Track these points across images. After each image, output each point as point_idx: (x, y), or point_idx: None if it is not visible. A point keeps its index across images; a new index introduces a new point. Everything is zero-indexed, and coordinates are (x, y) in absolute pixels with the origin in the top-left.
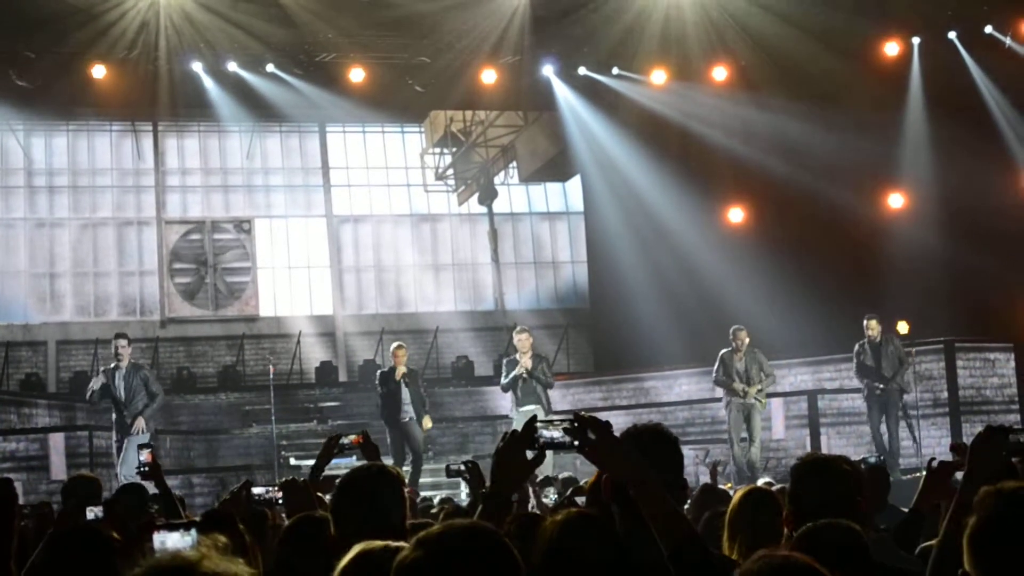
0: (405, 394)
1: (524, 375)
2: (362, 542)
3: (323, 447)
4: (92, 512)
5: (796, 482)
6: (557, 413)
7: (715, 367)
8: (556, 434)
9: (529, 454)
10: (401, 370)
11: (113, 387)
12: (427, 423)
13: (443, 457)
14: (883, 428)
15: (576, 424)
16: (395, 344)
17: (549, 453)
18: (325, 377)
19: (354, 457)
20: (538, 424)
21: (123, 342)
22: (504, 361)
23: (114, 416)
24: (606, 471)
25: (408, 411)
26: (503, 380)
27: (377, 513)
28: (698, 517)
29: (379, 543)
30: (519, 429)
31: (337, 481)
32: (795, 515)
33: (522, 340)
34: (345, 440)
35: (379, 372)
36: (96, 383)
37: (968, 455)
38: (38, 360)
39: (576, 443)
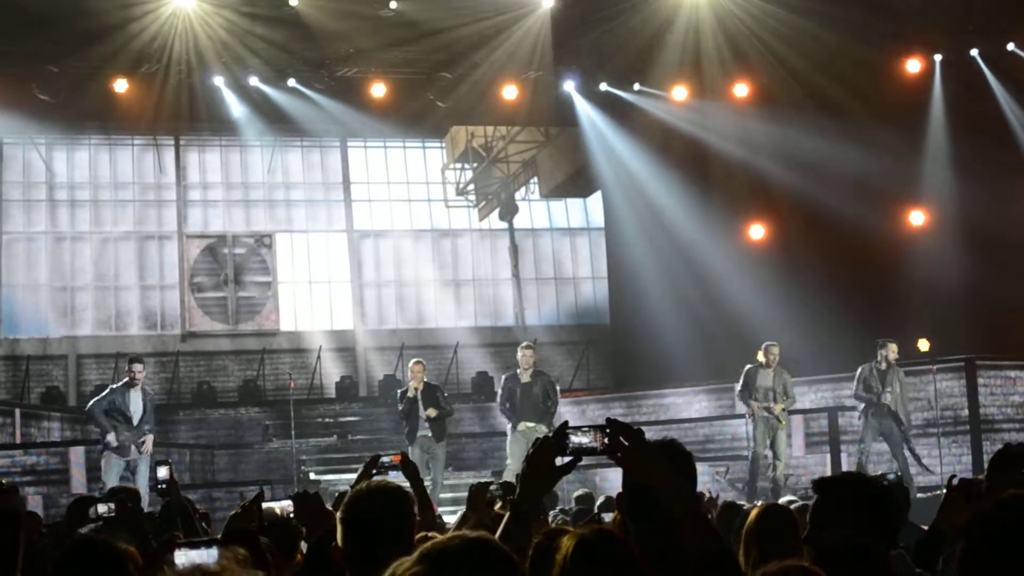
0: (422, 410)
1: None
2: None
3: (364, 466)
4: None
5: (818, 499)
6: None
7: (740, 383)
8: (586, 440)
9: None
10: (414, 386)
11: (127, 408)
12: (431, 411)
13: (463, 473)
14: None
15: (608, 430)
16: (412, 361)
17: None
18: (345, 392)
19: (392, 475)
20: (568, 430)
21: (140, 367)
22: (503, 377)
23: (114, 435)
24: (637, 478)
25: (426, 427)
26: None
27: (383, 530)
28: (725, 536)
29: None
30: (512, 448)
31: (344, 498)
32: (813, 533)
33: (525, 356)
34: (385, 459)
35: (399, 390)
36: (104, 402)
37: (986, 473)
38: (58, 374)
39: (607, 449)
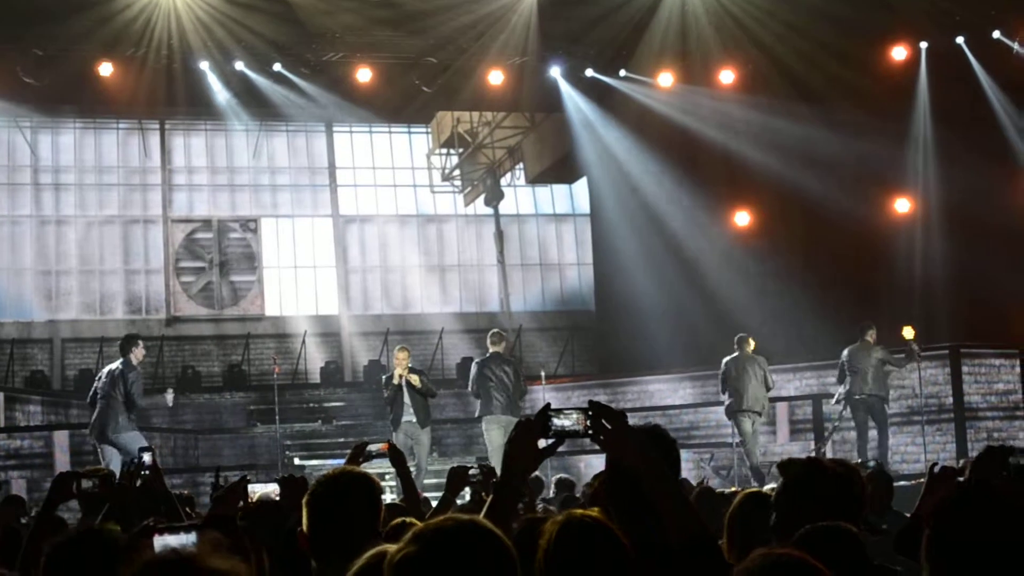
0: (407, 397)
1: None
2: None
3: (350, 453)
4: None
5: (784, 485)
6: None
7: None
8: (569, 423)
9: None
10: (399, 372)
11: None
12: (413, 379)
13: (448, 459)
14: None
15: (591, 413)
16: (397, 347)
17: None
18: (330, 377)
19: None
20: (551, 412)
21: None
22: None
23: (123, 416)
24: (620, 460)
25: (411, 414)
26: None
27: (349, 517)
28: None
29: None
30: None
31: (311, 484)
32: (782, 519)
33: (492, 340)
34: (373, 448)
35: (384, 376)
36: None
37: (968, 472)
38: (43, 358)
39: (590, 432)
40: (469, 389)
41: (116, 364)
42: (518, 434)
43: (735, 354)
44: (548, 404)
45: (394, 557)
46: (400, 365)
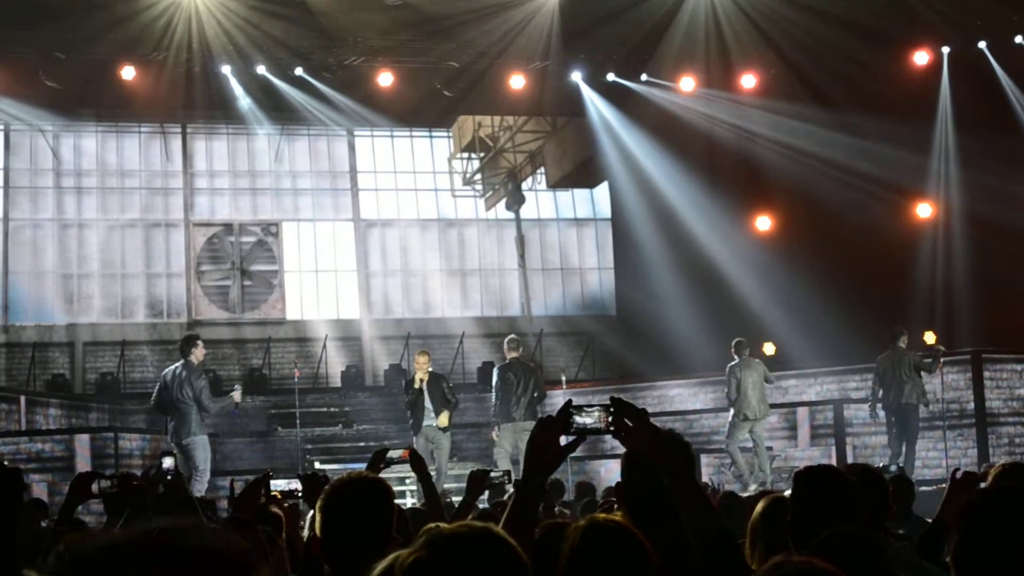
0: (428, 401)
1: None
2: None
3: (371, 460)
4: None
5: (798, 490)
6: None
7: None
8: (591, 420)
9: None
10: (419, 376)
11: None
12: (442, 420)
13: (467, 463)
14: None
15: (612, 410)
16: (418, 351)
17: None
18: (351, 381)
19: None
20: (572, 410)
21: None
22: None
23: (196, 420)
24: (643, 457)
25: (432, 418)
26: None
27: (361, 523)
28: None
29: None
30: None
31: (325, 488)
32: (795, 523)
33: (510, 347)
34: (394, 454)
35: (404, 380)
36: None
37: (991, 480)
38: (65, 361)
39: (612, 429)
40: (492, 394)
41: (178, 366)
42: (539, 431)
43: (737, 360)
44: (570, 401)
45: (405, 561)
46: (421, 369)
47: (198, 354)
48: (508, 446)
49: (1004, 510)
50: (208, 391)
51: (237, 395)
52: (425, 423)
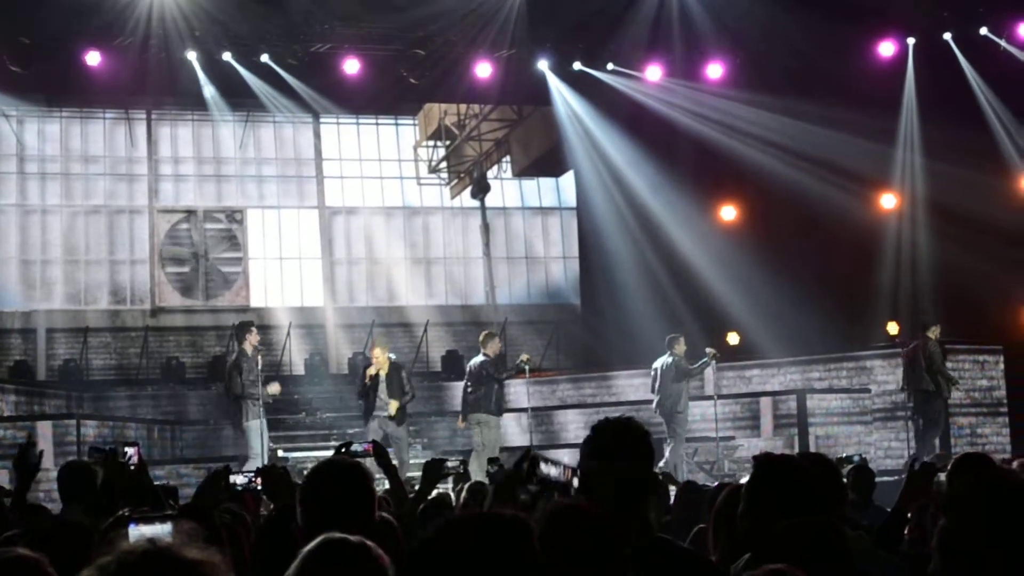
0: (383, 391)
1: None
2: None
3: (334, 453)
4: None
5: (753, 476)
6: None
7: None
8: (554, 471)
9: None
10: (372, 371)
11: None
12: (392, 407)
13: (432, 450)
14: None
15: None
16: (374, 346)
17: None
18: (314, 370)
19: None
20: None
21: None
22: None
23: (250, 405)
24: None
25: (385, 408)
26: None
27: (343, 506)
28: (684, 516)
29: (340, 535)
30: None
31: (305, 472)
32: (748, 510)
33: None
34: (357, 447)
35: (364, 367)
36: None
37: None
38: (27, 347)
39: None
40: (469, 384)
41: (235, 352)
42: (505, 486)
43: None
44: (529, 449)
45: (417, 544)
46: (377, 363)
47: (252, 340)
48: (495, 436)
49: (997, 498)
50: (249, 376)
51: (273, 387)
52: (377, 413)
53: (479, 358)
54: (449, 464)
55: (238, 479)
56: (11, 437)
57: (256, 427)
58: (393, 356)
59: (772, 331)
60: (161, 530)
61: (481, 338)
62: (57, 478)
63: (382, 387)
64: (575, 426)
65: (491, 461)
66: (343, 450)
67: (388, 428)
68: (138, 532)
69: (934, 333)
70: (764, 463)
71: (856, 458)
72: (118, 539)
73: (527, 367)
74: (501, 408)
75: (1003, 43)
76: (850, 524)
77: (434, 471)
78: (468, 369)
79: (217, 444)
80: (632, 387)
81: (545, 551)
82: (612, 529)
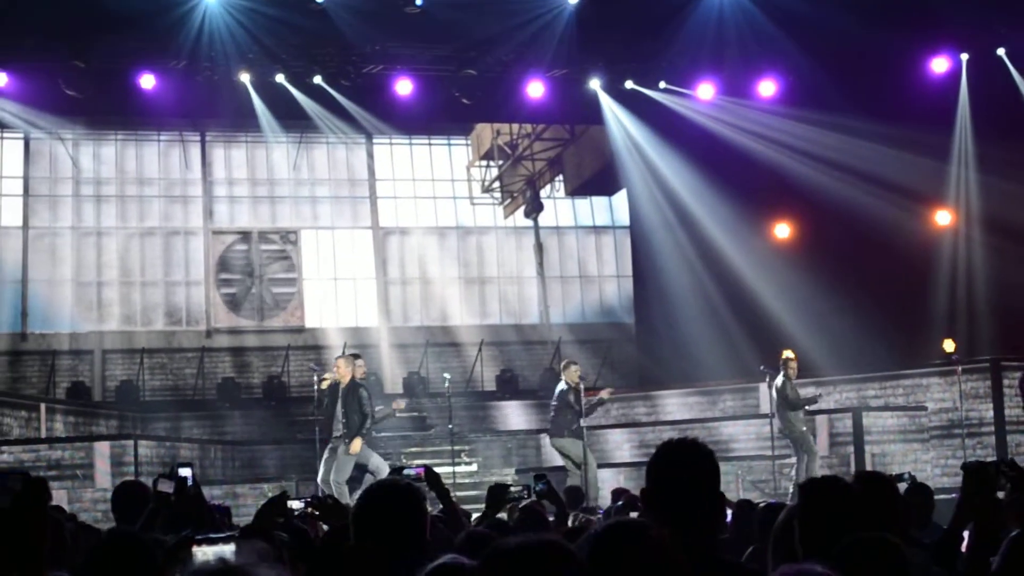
0: (339, 411)
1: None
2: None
3: (388, 475)
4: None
5: (801, 502)
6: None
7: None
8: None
9: None
10: (325, 386)
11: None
12: (354, 446)
13: (489, 471)
14: None
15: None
16: (338, 356)
17: None
18: (369, 389)
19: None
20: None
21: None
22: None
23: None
24: None
25: (339, 428)
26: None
27: (396, 526)
28: (742, 532)
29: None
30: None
31: (358, 494)
32: (803, 534)
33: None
34: (409, 471)
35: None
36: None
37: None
38: (84, 369)
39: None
40: (552, 410)
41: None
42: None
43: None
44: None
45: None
46: (338, 373)
47: (359, 370)
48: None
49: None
50: (369, 405)
51: (403, 403)
52: (336, 434)
53: (561, 385)
54: (513, 489)
55: (294, 504)
56: (70, 458)
57: (357, 458)
58: (362, 373)
59: (827, 349)
60: (225, 550)
61: (562, 366)
62: (112, 498)
63: (337, 406)
64: (630, 445)
65: (538, 478)
66: (395, 473)
67: (337, 448)
68: (203, 552)
69: None
70: (810, 488)
71: (906, 475)
72: (185, 558)
73: (607, 400)
74: (580, 433)
75: None
76: (909, 541)
77: (498, 496)
78: (555, 393)
79: (273, 464)
80: (686, 405)
81: (607, 571)
82: (675, 549)
